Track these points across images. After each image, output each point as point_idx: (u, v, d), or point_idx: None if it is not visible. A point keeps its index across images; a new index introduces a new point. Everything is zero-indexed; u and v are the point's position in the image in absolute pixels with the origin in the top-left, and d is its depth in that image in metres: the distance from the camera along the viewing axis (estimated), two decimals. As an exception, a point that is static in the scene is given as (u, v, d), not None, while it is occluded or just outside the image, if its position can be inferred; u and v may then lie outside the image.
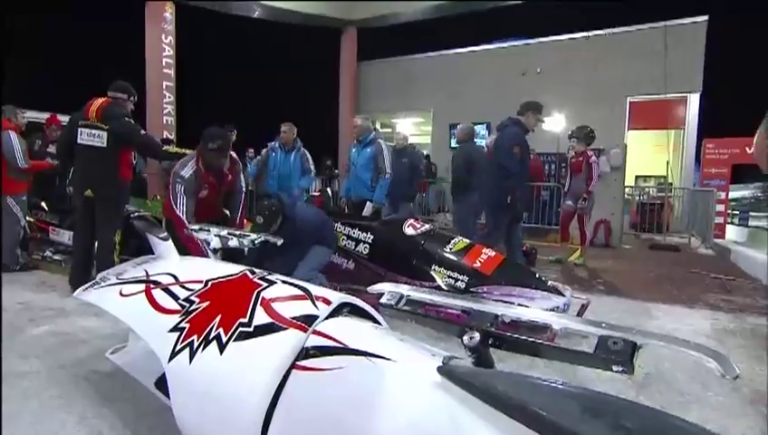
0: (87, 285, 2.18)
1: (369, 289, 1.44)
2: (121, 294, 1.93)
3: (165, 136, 9.63)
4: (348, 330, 1.29)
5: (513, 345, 1.06)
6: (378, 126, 13.41)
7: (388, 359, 1.10)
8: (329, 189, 10.43)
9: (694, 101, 10.06)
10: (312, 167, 5.30)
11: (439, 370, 0.96)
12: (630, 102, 10.21)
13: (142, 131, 3.73)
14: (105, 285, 2.08)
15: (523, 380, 0.90)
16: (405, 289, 1.34)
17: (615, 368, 0.90)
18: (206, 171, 3.55)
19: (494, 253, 3.39)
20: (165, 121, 9.95)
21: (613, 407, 0.78)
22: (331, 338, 1.26)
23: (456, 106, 11.61)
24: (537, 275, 3.34)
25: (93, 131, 3.57)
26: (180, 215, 3.37)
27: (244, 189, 4.06)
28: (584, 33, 10.70)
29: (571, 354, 1.00)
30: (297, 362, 1.25)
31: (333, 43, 12.98)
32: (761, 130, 1.61)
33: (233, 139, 7.23)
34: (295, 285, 1.57)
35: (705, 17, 9.56)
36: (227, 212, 3.96)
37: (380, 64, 13.26)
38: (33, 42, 14.25)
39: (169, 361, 1.47)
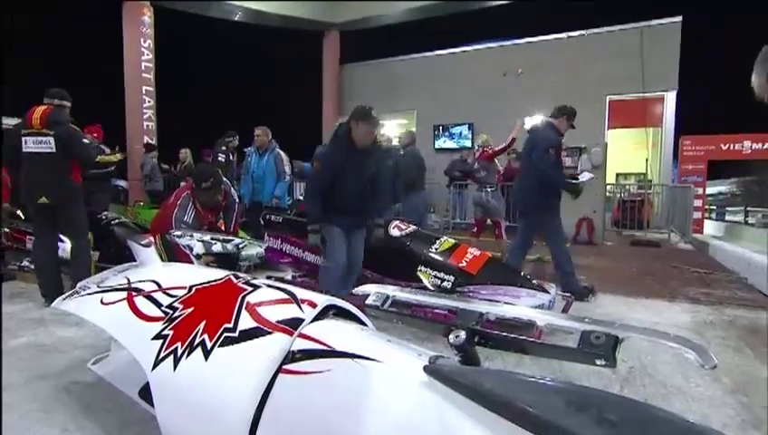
0: (66, 295, 2.13)
1: (354, 291, 1.44)
2: (102, 302, 1.89)
3: (146, 141, 9.49)
4: (334, 332, 1.29)
5: (498, 343, 1.07)
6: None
7: (375, 360, 1.10)
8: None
9: (670, 99, 10.29)
10: (287, 169, 5.34)
11: (425, 369, 0.96)
12: (610, 101, 10.40)
13: (84, 139, 3.76)
14: (85, 294, 2.04)
15: (508, 376, 0.90)
16: (390, 290, 1.34)
17: (598, 362, 0.91)
18: (204, 211, 3.75)
19: (479, 252, 3.42)
20: (145, 126, 9.80)
21: (597, 400, 0.79)
22: (317, 341, 1.25)
23: (440, 107, 11.67)
24: (522, 274, 3.37)
25: (40, 138, 3.57)
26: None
27: (236, 201, 4.20)
28: (563, 35, 10.87)
29: (555, 350, 1.01)
30: (284, 366, 1.24)
31: (316, 46, 12.96)
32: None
33: (236, 144, 7.27)
34: (280, 289, 1.56)
35: (679, 18, 9.79)
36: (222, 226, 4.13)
37: (364, 67, 13.27)
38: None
39: (153, 369, 1.45)
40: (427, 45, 12.41)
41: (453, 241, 3.54)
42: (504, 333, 1.05)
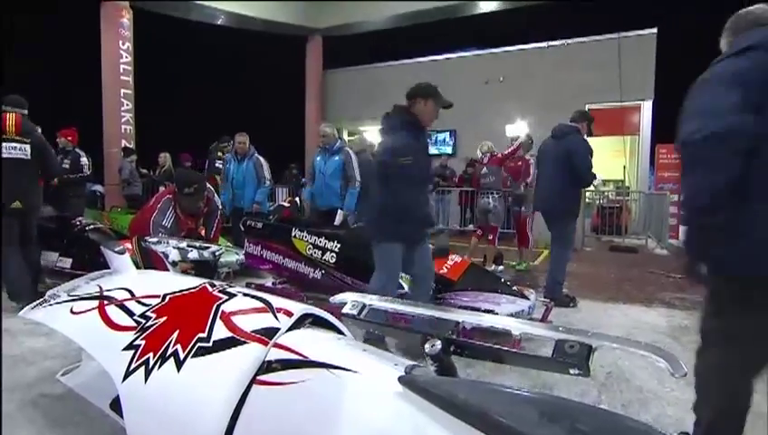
0: (35, 303, 2.06)
1: (331, 299, 1.42)
2: (72, 311, 1.83)
3: (124, 145, 9.31)
4: (309, 342, 1.27)
5: (474, 352, 1.07)
6: (345, 134, 13.40)
7: (351, 370, 1.09)
8: (297, 199, 10.33)
9: (647, 108, 10.54)
10: (267, 174, 5.36)
11: (400, 380, 0.95)
12: (589, 109, 10.59)
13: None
14: (55, 303, 1.98)
15: (482, 387, 0.90)
16: (368, 298, 1.33)
17: (572, 371, 0.91)
18: (184, 216, 3.66)
19: (460, 259, 3.43)
20: (123, 130, 9.60)
21: (570, 411, 0.79)
22: (292, 351, 1.23)
23: (423, 113, 11.75)
24: (502, 280, 3.39)
25: (16, 145, 3.66)
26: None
27: (219, 208, 4.14)
28: (544, 44, 11.06)
29: (530, 359, 1.02)
30: (258, 377, 1.22)
31: (299, 51, 12.93)
32: None
33: (230, 148, 7.20)
34: (256, 298, 1.54)
35: (654, 30, 10.06)
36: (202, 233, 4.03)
37: (347, 72, 13.28)
38: None
39: (123, 380, 1.40)
40: (411, 52, 12.51)
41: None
42: (480, 343, 1.05)
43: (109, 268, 2.24)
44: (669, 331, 3.46)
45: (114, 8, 9.45)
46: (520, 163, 6.05)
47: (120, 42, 9.47)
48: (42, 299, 2.08)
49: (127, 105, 9.66)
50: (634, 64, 9.82)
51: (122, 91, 9.57)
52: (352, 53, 13.28)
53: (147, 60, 11.08)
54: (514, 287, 3.27)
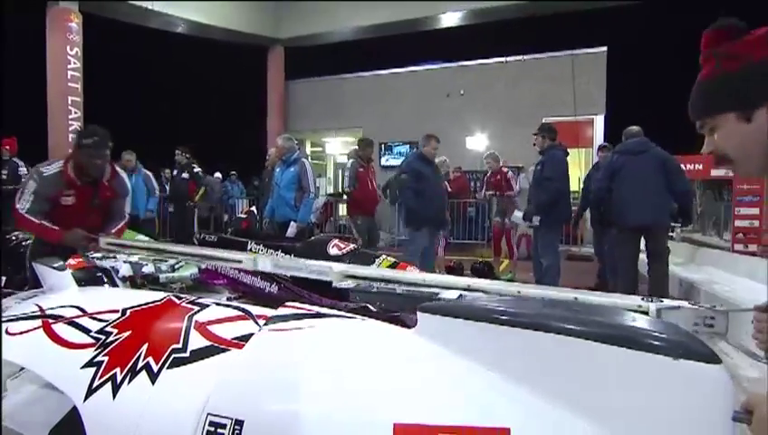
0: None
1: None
2: (8, 332, 1.69)
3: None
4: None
5: None
6: (308, 145, 13.31)
7: (356, 317, 1.32)
8: (254, 208, 10.09)
9: (599, 122, 11.04)
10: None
11: (420, 308, 1.12)
12: (545, 122, 10.99)
13: None
14: (-21, 327, 1.81)
15: (493, 298, 1.24)
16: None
17: None
18: (75, 174, 2.79)
19: (417, 270, 3.41)
20: (70, 139, 9.14)
21: (565, 302, 1.20)
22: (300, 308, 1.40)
23: (385, 125, 11.82)
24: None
25: None
26: (30, 219, 2.67)
27: (128, 193, 3.16)
28: (502, 59, 11.42)
29: None
30: (267, 326, 1.35)
31: (260, 61, 12.78)
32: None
33: (192, 163, 7.02)
34: (234, 307, 1.52)
35: (604, 48, 10.59)
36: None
37: (309, 83, 13.22)
38: None
39: (85, 400, 1.33)
40: (374, 64, 12.61)
41: (392, 259, 3.51)
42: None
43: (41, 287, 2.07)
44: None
45: (61, 12, 9.04)
46: (498, 177, 6.36)
47: (68, 47, 9.05)
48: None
49: (75, 113, 9.22)
50: (587, 81, 10.28)
51: (70, 98, 9.13)
52: (314, 63, 13.25)
53: (100, 67, 10.65)
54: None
